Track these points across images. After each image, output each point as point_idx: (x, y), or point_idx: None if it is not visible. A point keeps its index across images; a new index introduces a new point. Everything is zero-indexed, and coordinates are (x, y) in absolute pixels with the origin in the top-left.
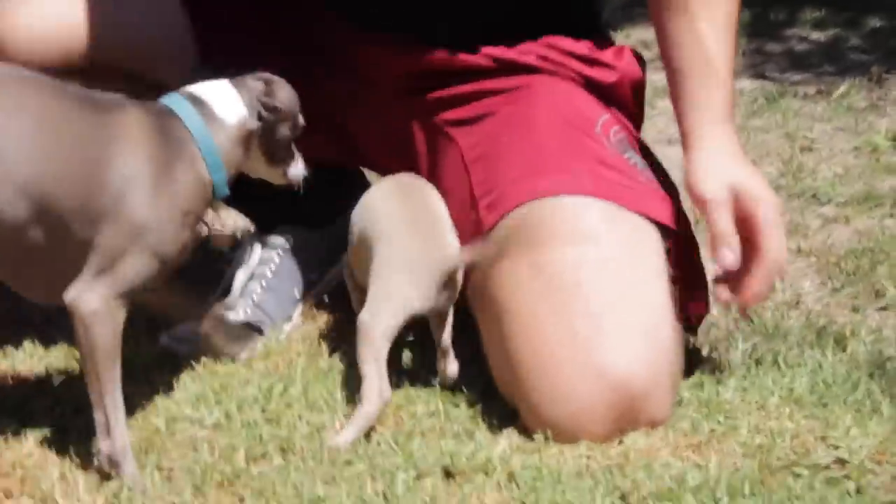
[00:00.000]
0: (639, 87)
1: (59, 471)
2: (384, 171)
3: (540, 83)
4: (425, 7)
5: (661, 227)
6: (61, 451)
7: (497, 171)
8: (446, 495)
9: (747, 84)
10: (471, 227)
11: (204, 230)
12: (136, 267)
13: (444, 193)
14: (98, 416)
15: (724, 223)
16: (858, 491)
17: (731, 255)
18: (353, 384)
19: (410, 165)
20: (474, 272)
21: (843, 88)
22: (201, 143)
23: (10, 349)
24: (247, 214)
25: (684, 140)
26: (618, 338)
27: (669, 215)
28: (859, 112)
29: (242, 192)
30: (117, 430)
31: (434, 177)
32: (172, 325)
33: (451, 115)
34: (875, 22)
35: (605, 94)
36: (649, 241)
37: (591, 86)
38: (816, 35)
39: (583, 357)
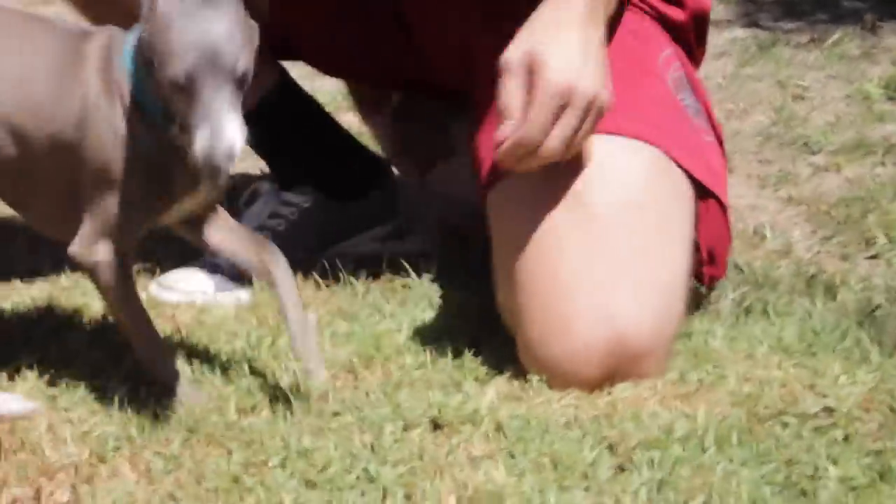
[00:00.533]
0: (702, 20)
1: (46, 422)
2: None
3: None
4: None
5: (697, 183)
6: (49, 403)
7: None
8: (434, 446)
9: (740, 32)
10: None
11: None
12: (115, 208)
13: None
14: (140, 355)
15: (507, 95)
16: (846, 439)
17: (506, 132)
18: (340, 339)
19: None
20: (506, 182)
21: (835, 36)
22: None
23: None
24: (270, 167)
25: None
26: (634, 289)
27: (709, 174)
28: (852, 60)
29: (267, 145)
30: (160, 365)
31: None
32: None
33: None
34: None
35: (672, 30)
36: (685, 200)
37: (662, 20)
38: None
39: (596, 298)
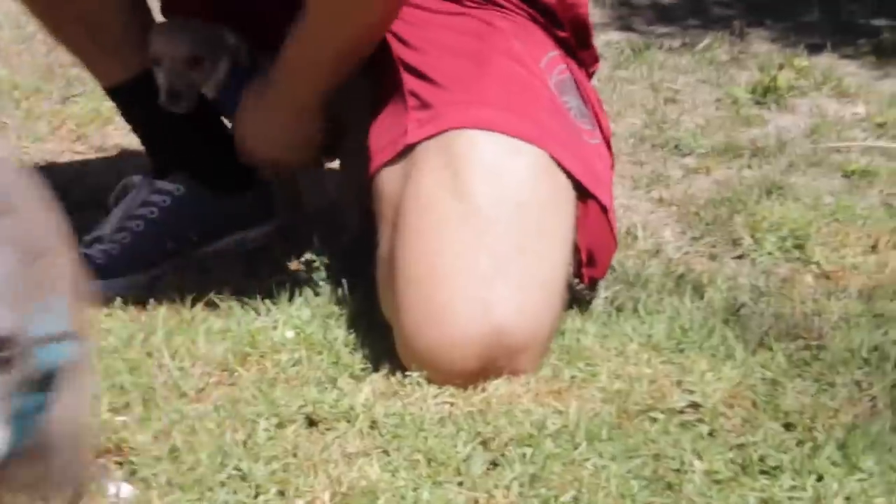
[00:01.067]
0: (578, 24)
1: None
2: None
3: (490, 15)
4: None
5: (579, 185)
6: None
7: (436, 90)
8: (308, 443)
9: (615, 35)
10: (393, 132)
11: None
12: None
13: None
14: None
15: None
16: (711, 434)
17: None
18: (215, 336)
19: None
20: (391, 176)
21: (706, 41)
22: None
23: None
24: (146, 148)
25: None
26: (514, 284)
27: (590, 177)
28: (721, 65)
29: (146, 124)
30: None
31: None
32: None
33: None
34: None
35: (550, 18)
36: (567, 201)
37: (538, 9)
38: None
39: (476, 290)
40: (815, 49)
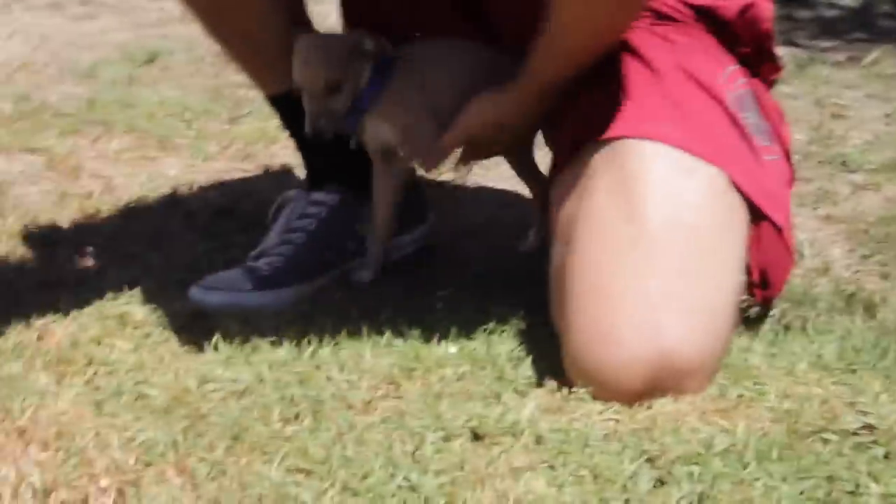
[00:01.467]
0: (759, 36)
1: (93, 429)
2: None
3: (665, 30)
4: None
5: (752, 205)
6: (95, 409)
7: (608, 97)
8: (475, 457)
9: (777, 50)
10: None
11: None
12: None
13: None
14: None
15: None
16: (887, 456)
17: None
18: (380, 349)
19: None
20: (565, 182)
21: (873, 55)
22: None
23: (45, 310)
24: (304, 161)
25: None
26: (684, 308)
27: (765, 197)
28: (890, 79)
29: (303, 142)
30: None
31: None
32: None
33: None
34: None
35: (729, 34)
36: (740, 223)
37: (717, 25)
38: (846, 1)
39: (646, 313)
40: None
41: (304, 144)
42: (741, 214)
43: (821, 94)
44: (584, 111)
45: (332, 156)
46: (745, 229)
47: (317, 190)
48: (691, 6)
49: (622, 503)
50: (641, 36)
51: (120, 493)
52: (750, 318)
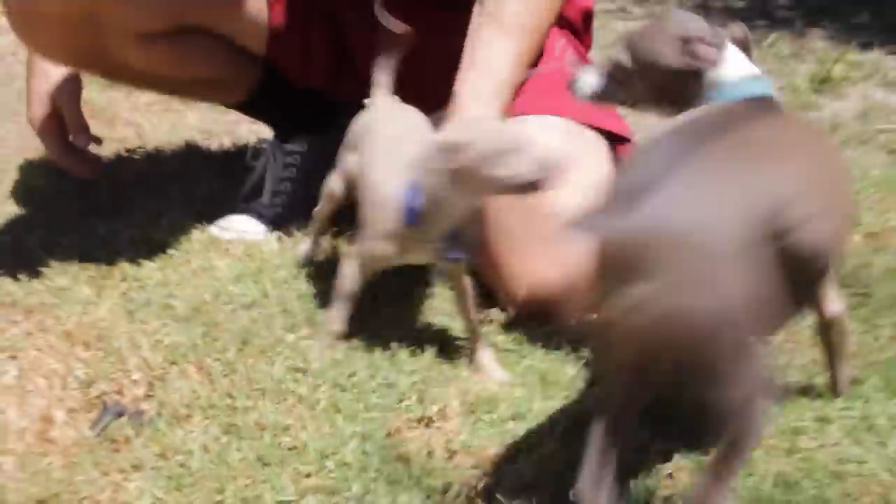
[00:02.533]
0: (588, 15)
1: (126, 333)
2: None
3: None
4: None
5: (610, 136)
6: (127, 317)
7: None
8: (442, 362)
9: None
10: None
11: None
12: None
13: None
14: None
15: None
16: None
17: None
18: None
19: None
20: None
21: (771, 38)
22: None
23: (86, 235)
24: (272, 128)
25: None
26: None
27: (619, 126)
28: (783, 58)
29: (262, 103)
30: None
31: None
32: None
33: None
34: None
35: (561, 19)
36: (602, 148)
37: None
38: None
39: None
40: (865, 46)
41: (271, 119)
42: (602, 141)
43: None
44: None
45: (296, 116)
46: (606, 150)
47: (287, 142)
48: None
49: (562, 399)
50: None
51: (150, 385)
52: None
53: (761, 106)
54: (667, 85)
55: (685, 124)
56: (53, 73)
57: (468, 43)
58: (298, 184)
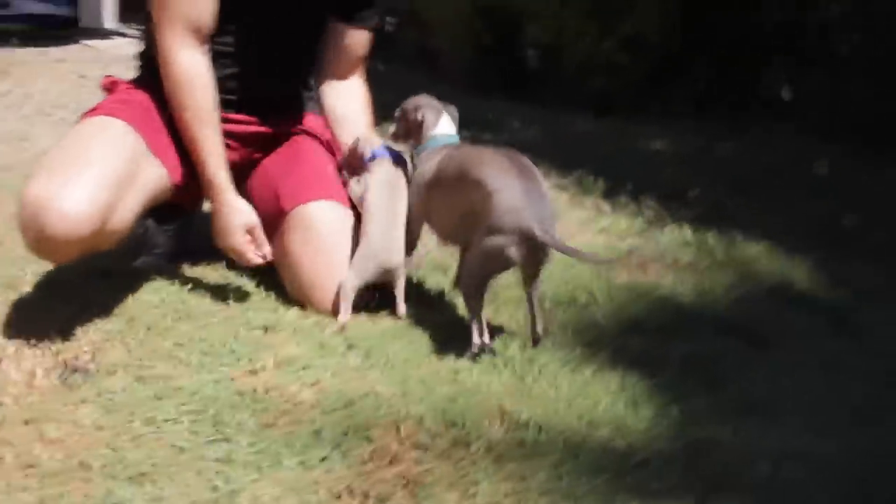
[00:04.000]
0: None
1: (80, 324)
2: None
3: (309, 141)
4: (253, 104)
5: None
6: (83, 317)
7: (291, 182)
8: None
9: None
10: (273, 211)
11: None
12: None
13: (255, 192)
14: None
15: None
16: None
17: None
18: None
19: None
20: (276, 235)
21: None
22: None
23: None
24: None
25: None
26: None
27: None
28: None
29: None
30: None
31: (250, 185)
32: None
33: (266, 157)
34: None
35: (328, 147)
36: (353, 220)
37: (324, 142)
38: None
39: (338, 278)
40: None
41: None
42: (352, 217)
43: None
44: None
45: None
46: (353, 220)
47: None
48: None
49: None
50: (301, 140)
51: (93, 354)
52: None
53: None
54: (411, 129)
55: (516, 167)
56: (242, 206)
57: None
58: (171, 242)
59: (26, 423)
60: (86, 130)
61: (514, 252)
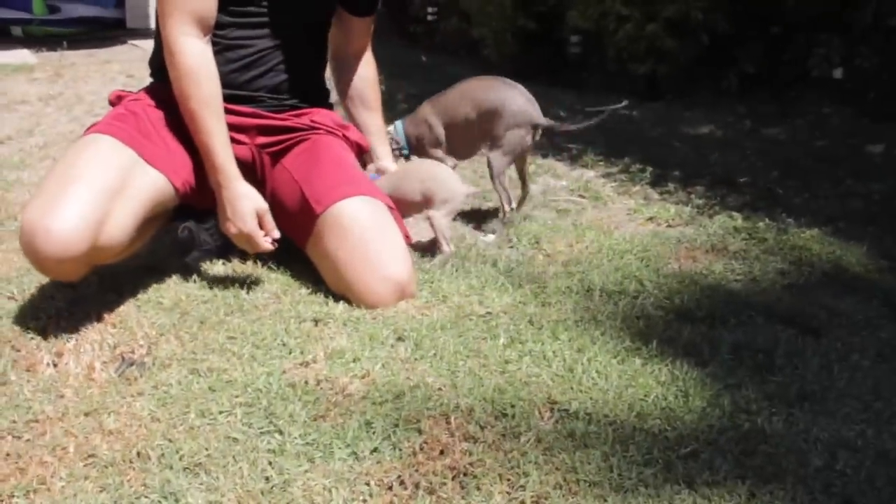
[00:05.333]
0: (363, 146)
1: (136, 318)
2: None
3: (326, 138)
4: (264, 98)
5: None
6: (136, 310)
7: (316, 184)
8: (317, 330)
9: None
10: (304, 215)
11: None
12: None
13: (284, 199)
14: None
15: None
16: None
17: None
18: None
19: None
20: (310, 239)
21: None
22: None
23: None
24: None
25: (379, 159)
26: (392, 259)
27: (388, 199)
28: None
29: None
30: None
31: (275, 189)
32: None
33: (282, 158)
34: None
35: (349, 144)
36: (388, 212)
37: (345, 139)
38: None
39: (379, 271)
40: (544, 156)
41: (184, 216)
42: (387, 208)
43: None
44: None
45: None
46: (390, 212)
47: (200, 221)
48: None
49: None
50: (318, 137)
51: (149, 347)
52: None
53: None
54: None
55: (508, 84)
56: (250, 192)
57: (361, 118)
58: (216, 238)
59: (86, 414)
60: (73, 150)
61: (528, 138)
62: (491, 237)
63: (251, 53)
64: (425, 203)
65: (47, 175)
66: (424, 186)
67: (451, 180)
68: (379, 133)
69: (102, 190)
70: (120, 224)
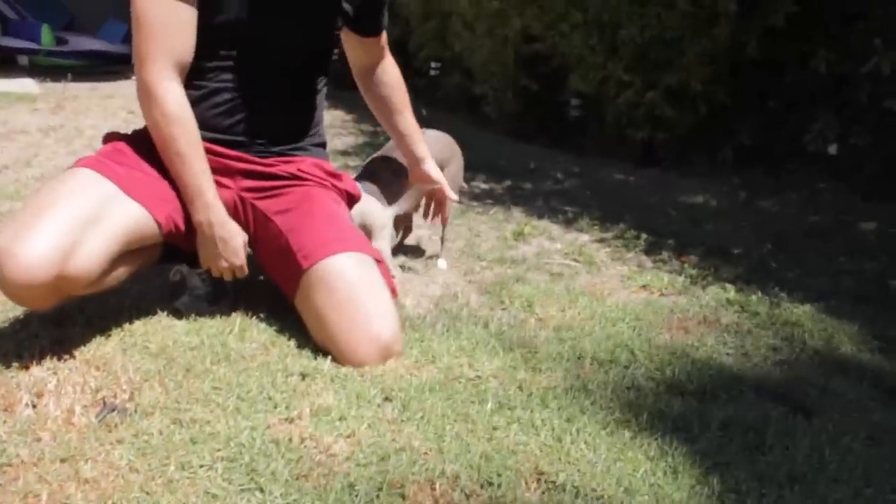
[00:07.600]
0: (355, 194)
1: (121, 362)
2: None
3: (316, 190)
4: (250, 143)
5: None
6: (122, 354)
7: (304, 238)
8: (304, 385)
9: None
10: (290, 268)
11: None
12: None
13: (269, 248)
14: None
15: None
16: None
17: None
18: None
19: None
20: (297, 292)
21: (492, 212)
22: None
23: (98, 302)
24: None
25: (420, 159)
26: (379, 318)
27: (378, 255)
28: (499, 221)
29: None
30: None
31: (260, 240)
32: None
33: (268, 207)
34: None
35: (340, 194)
36: (376, 268)
37: (335, 189)
38: None
39: (365, 331)
40: (540, 217)
41: (173, 258)
42: (374, 264)
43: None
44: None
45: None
46: (377, 267)
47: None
48: None
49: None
50: (307, 189)
51: (131, 393)
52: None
53: None
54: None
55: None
56: (239, 228)
57: (391, 122)
58: (207, 284)
59: (63, 461)
60: (54, 181)
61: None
62: (443, 262)
63: (235, 98)
64: (370, 237)
65: (25, 203)
66: (360, 222)
67: (375, 210)
68: (412, 134)
69: (74, 217)
70: (91, 253)
